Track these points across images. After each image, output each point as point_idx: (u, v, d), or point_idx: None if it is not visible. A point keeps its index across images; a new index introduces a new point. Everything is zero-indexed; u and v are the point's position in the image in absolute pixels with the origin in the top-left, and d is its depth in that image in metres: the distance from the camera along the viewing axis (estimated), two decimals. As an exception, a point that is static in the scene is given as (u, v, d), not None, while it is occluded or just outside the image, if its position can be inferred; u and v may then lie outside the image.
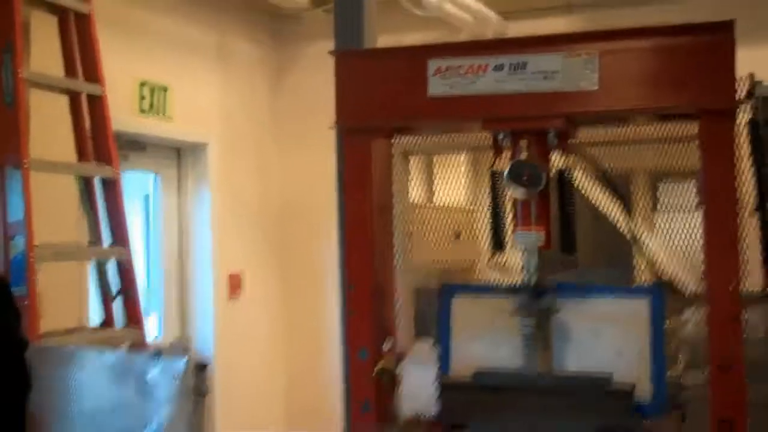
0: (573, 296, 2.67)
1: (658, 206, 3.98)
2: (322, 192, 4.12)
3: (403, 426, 2.66)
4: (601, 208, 4.05)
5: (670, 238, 3.38)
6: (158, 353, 2.60)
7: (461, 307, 2.81)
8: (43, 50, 3.64)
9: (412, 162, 4.73)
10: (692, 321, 2.72)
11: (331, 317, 4.14)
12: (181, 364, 2.47)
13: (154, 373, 2.49)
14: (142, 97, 4.63)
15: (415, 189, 4.77)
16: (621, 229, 3.40)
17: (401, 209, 3.50)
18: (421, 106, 2.64)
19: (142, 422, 2.46)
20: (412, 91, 2.63)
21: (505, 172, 2.59)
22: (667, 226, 3.44)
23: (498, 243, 2.69)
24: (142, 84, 4.63)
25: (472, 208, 4.17)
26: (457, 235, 4.20)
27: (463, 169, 4.45)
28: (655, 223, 3.77)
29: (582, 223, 2.72)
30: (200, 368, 2.48)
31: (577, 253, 2.62)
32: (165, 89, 4.75)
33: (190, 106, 4.92)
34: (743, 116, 2.87)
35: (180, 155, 5.09)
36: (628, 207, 3.26)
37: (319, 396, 5.21)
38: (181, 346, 4.75)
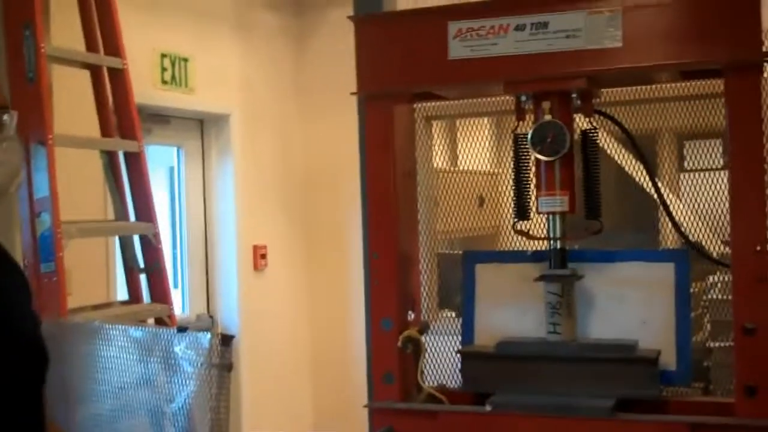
0: (597, 262, 2.64)
1: (685, 165, 3.92)
2: (347, 161, 4.08)
3: (426, 397, 2.65)
4: (626, 170, 3.99)
5: (697, 198, 3.32)
6: (184, 328, 2.61)
7: (485, 275, 2.79)
8: (63, 25, 3.62)
9: (435, 127, 4.69)
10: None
11: (356, 288, 4.12)
12: (206, 339, 2.48)
13: (180, 348, 2.50)
14: (164, 69, 4.62)
15: (439, 154, 4.73)
16: (647, 191, 3.35)
17: (425, 175, 3.47)
18: (442, 70, 2.60)
19: (169, 396, 2.48)
20: (433, 54, 2.59)
21: (529, 134, 2.55)
22: (694, 186, 3.38)
23: (522, 210, 2.65)
24: (163, 55, 4.61)
25: (496, 171, 4.13)
26: (481, 202, 4.16)
27: (486, 132, 4.40)
28: (681, 184, 3.71)
29: (606, 186, 2.68)
30: (225, 342, 2.48)
31: (602, 217, 2.58)
32: (186, 60, 4.73)
33: (211, 76, 4.90)
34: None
35: (203, 127, 5.08)
36: (651, 169, 3.19)
37: (345, 366, 5.21)
38: (206, 321, 4.75)
